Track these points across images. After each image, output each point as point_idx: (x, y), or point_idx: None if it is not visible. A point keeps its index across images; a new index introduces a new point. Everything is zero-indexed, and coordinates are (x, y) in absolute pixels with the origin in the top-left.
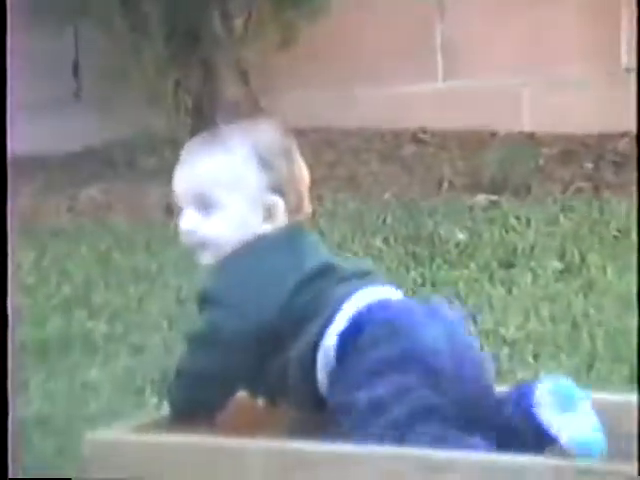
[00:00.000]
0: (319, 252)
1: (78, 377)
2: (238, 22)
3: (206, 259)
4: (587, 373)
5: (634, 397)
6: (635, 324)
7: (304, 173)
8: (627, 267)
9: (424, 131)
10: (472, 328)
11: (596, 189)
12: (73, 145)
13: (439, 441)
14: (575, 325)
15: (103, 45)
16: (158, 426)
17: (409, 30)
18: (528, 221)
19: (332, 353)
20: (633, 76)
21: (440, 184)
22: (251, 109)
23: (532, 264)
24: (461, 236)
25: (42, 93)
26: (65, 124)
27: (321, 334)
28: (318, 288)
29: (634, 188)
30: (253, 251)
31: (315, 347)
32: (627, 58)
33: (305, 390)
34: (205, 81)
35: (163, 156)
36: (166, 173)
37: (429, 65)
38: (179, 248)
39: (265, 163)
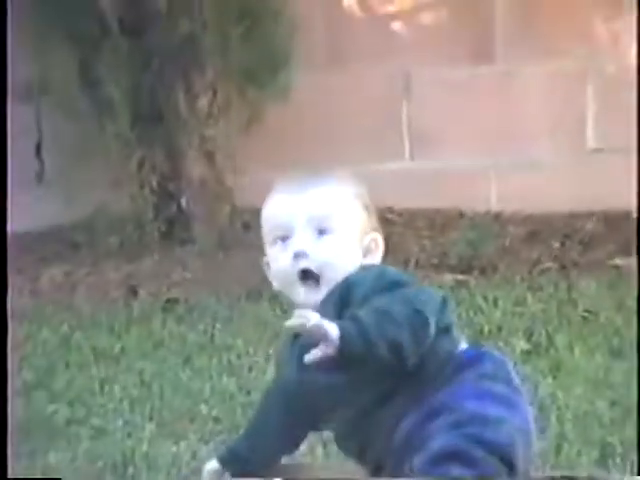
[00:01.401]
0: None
1: (38, 461)
2: (202, 102)
3: (311, 292)
4: (555, 456)
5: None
6: (605, 406)
7: None
8: (595, 348)
9: (391, 210)
10: None
11: (563, 269)
12: (36, 226)
13: None
14: (543, 407)
15: (66, 125)
16: None
17: (376, 110)
18: (495, 301)
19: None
20: (600, 157)
21: (407, 263)
22: (217, 189)
23: (499, 344)
24: None
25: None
26: (28, 205)
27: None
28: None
29: (601, 268)
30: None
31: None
32: (593, 139)
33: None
34: (170, 161)
35: (126, 236)
36: (129, 253)
37: (396, 145)
38: (142, 329)
39: (366, 206)
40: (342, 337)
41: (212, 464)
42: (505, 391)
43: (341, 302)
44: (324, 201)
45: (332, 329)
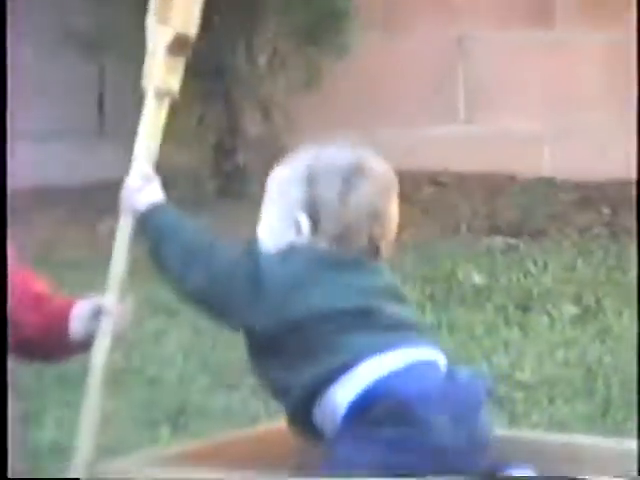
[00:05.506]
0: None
1: None
2: (262, 59)
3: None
4: (602, 419)
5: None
6: None
7: (373, 210)
8: None
9: (444, 173)
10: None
11: (614, 235)
12: (94, 177)
13: None
14: (590, 370)
15: (128, 79)
16: (170, 459)
17: (431, 72)
18: (545, 265)
19: (338, 414)
20: None
21: (458, 226)
22: (272, 146)
23: (548, 308)
24: (478, 278)
25: (66, 124)
26: (87, 156)
27: (330, 379)
28: (344, 324)
29: None
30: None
31: (320, 386)
32: None
33: (302, 416)
34: (228, 117)
35: (183, 190)
36: (186, 208)
37: (451, 107)
38: None
39: (312, 181)
40: None
41: None
42: (395, 436)
43: None
44: (268, 184)
45: None
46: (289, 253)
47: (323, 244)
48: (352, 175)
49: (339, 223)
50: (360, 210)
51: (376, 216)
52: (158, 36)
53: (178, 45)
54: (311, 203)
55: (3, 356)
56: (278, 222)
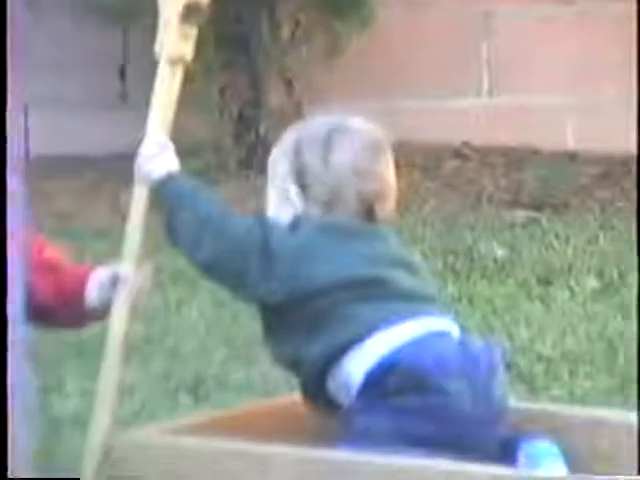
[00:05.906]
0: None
1: None
2: (285, 31)
3: None
4: (622, 393)
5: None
6: None
7: (358, 167)
8: None
9: (467, 146)
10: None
11: (636, 209)
12: (118, 146)
13: None
14: (611, 345)
15: (152, 48)
16: (188, 430)
17: (456, 45)
18: (567, 239)
19: (353, 385)
20: None
21: (480, 199)
22: (294, 118)
23: (570, 282)
24: (500, 252)
25: (90, 93)
26: (111, 125)
27: (343, 350)
28: (357, 295)
29: None
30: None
31: (333, 358)
32: None
33: (315, 388)
34: (251, 88)
35: (205, 161)
36: (208, 176)
37: (475, 80)
38: None
39: (297, 151)
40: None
41: None
42: (412, 404)
43: None
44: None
45: None
46: (296, 225)
47: (316, 210)
48: (332, 135)
49: (326, 185)
50: (343, 168)
51: (363, 174)
52: (170, 3)
53: (191, 12)
54: (298, 172)
55: (3, 356)
56: (277, 199)
